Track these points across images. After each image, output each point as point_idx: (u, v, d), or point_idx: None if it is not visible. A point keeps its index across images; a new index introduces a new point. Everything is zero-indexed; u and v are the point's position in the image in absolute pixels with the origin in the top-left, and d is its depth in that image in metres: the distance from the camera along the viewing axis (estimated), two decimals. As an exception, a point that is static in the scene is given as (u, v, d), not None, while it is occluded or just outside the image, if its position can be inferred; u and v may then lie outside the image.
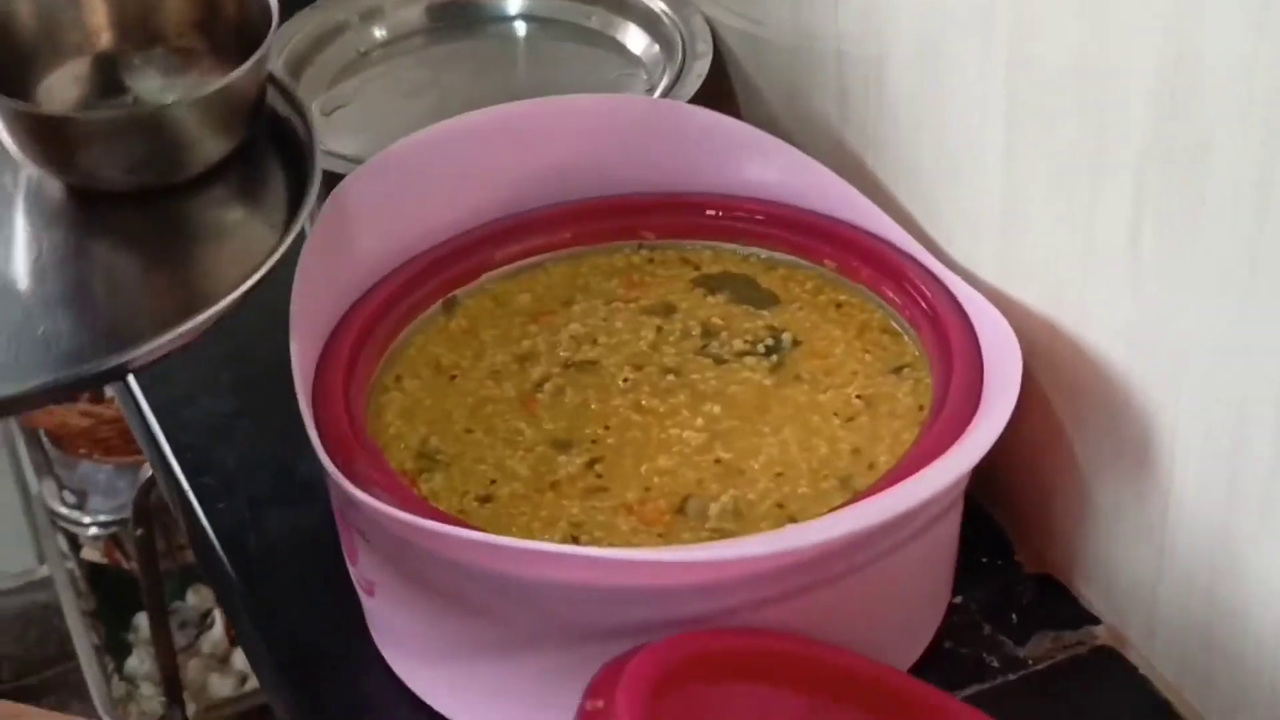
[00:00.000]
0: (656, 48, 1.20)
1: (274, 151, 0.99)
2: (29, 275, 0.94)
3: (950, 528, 0.92)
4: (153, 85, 1.03)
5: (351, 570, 0.91)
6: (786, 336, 0.97)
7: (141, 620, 2.03)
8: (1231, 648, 0.85)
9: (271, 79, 1.00)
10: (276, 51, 1.15)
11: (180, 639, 2.03)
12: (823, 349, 0.96)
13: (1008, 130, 0.90)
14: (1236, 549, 0.83)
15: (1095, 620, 0.94)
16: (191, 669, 2.01)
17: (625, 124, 1.05)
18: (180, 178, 0.97)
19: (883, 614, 0.89)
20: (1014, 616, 0.94)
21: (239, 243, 0.96)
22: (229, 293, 0.87)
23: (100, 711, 1.88)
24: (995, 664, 0.92)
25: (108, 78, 1.04)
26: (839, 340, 0.97)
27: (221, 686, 1.98)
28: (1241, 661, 0.84)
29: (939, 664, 0.92)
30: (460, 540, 0.80)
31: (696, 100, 1.14)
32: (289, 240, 0.90)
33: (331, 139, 1.12)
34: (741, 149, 1.04)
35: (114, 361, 0.85)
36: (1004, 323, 0.90)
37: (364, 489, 0.83)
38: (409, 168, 1.01)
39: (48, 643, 2.22)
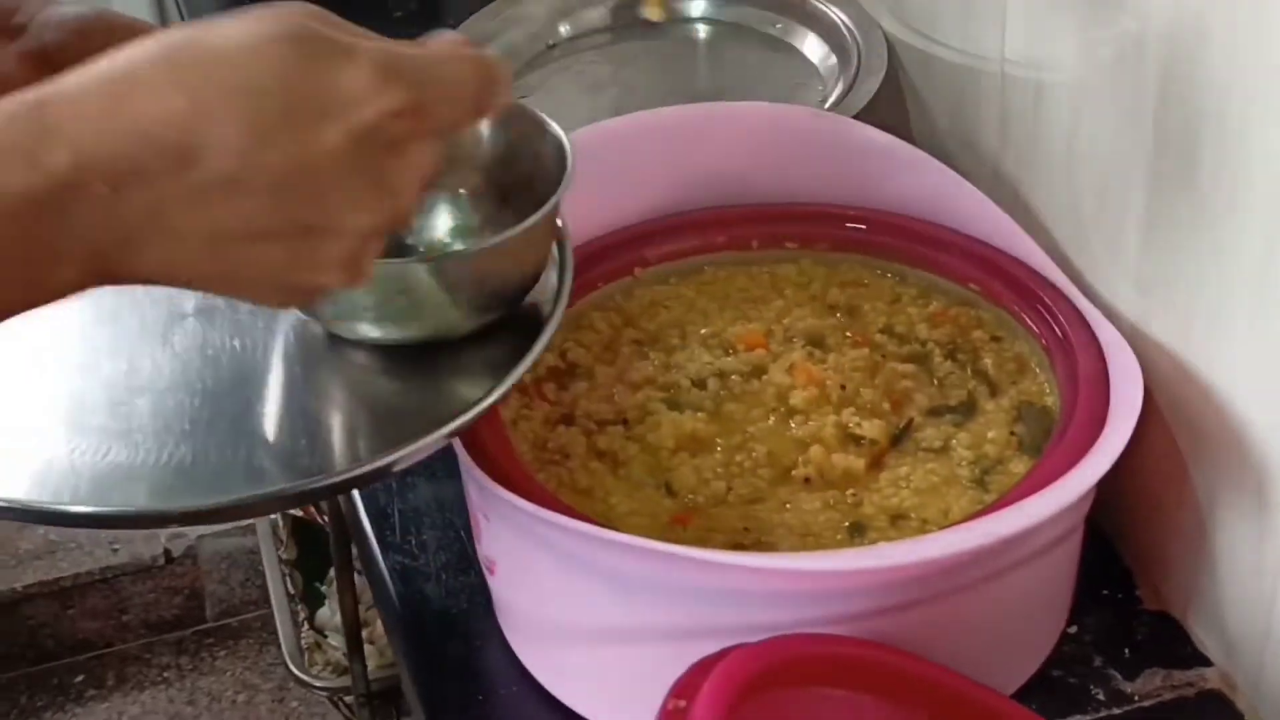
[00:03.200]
0: (834, 59, 1.22)
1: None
2: (276, 393, 0.89)
3: (1066, 558, 0.92)
4: (438, 233, 0.95)
5: (478, 548, 0.95)
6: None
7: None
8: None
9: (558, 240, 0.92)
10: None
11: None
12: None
13: (1153, 162, 0.90)
14: (1342, 605, 0.82)
15: (1207, 662, 0.94)
16: (380, 625, 2.07)
17: (788, 134, 1.07)
18: (442, 336, 0.89)
19: (989, 635, 0.90)
20: (1127, 651, 0.94)
21: (452, 387, 0.89)
22: (431, 432, 0.82)
23: (286, 657, 1.95)
24: (1101, 697, 0.92)
25: None
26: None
27: (406, 645, 2.03)
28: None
29: (1044, 691, 0.92)
30: (567, 530, 0.83)
31: (869, 114, 1.15)
32: (496, 393, 0.85)
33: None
34: (898, 166, 1.05)
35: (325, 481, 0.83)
36: (1132, 357, 0.90)
37: (485, 469, 0.86)
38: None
39: (251, 586, 2.30)
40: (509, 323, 0.89)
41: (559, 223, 0.91)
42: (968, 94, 1.10)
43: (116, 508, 0.81)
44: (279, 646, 2.05)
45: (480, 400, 0.84)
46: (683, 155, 1.07)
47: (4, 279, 0.62)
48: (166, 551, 2.28)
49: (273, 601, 2.02)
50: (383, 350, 0.89)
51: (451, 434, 0.83)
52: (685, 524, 0.89)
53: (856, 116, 1.14)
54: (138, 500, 0.81)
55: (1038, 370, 0.97)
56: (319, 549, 2.10)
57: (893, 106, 1.19)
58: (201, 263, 0.65)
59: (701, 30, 1.30)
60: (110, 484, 0.82)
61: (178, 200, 0.63)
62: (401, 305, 0.86)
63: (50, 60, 0.90)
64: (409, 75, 0.66)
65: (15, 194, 0.61)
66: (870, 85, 1.16)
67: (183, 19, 1.61)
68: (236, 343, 0.91)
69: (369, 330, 0.88)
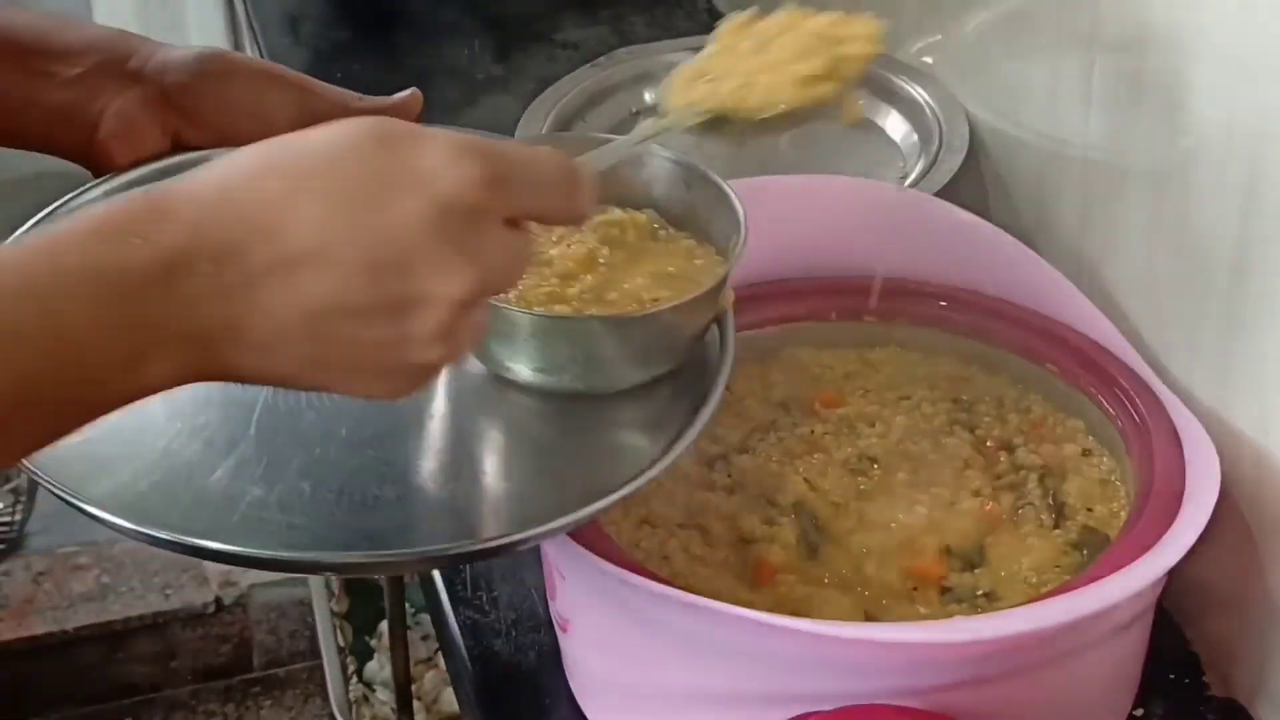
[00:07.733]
0: (915, 137, 1.23)
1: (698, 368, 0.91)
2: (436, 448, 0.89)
3: (1135, 641, 0.93)
4: None
5: (551, 606, 0.96)
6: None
7: (385, 627, 2.10)
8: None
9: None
10: (548, 109, 1.20)
11: (422, 650, 2.10)
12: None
13: (1238, 256, 0.91)
14: None
15: (1275, 753, 0.94)
16: (428, 681, 2.08)
17: (870, 209, 1.08)
18: (597, 390, 0.89)
19: (1058, 714, 0.90)
20: (1192, 737, 0.95)
21: (619, 453, 0.89)
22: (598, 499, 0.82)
23: (334, 709, 1.95)
24: (1166, 782, 0.93)
25: None
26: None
27: (455, 701, 2.04)
28: None
29: (1109, 773, 0.93)
30: (652, 593, 0.83)
31: (949, 193, 1.16)
32: (664, 462, 0.85)
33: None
34: (979, 245, 1.06)
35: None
36: (1209, 444, 0.90)
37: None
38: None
39: (299, 637, 2.31)
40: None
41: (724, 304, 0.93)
42: (1049, 177, 1.12)
43: (270, 551, 0.81)
44: (324, 698, 2.06)
45: (648, 468, 0.84)
46: (762, 227, 1.07)
47: (106, 363, 0.66)
48: (218, 599, 2.29)
49: (323, 653, 2.03)
50: (542, 396, 0.90)
51: (619, 501, 0.83)
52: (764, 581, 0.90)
53: (937, 194, 1.14)
54: (291, 545, 0.81)
55: (1119, 485, 0.96)
56: (370, 602, 2.11)
57: (973, 186, 1.20)
58: (298, 343, 0.68)
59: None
60: (259, 524, 0.82)
61: (269, 274, 0.66)
62: (576, 357, 0.88)
63: (173, 102, 0.93)
64: (484, 151, 0.69)
65: (133, 268, 0.65)
66: (951, 164, 1.17)
67: (254, 34, 1.65)
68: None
69: (534, 377, 0.89)
